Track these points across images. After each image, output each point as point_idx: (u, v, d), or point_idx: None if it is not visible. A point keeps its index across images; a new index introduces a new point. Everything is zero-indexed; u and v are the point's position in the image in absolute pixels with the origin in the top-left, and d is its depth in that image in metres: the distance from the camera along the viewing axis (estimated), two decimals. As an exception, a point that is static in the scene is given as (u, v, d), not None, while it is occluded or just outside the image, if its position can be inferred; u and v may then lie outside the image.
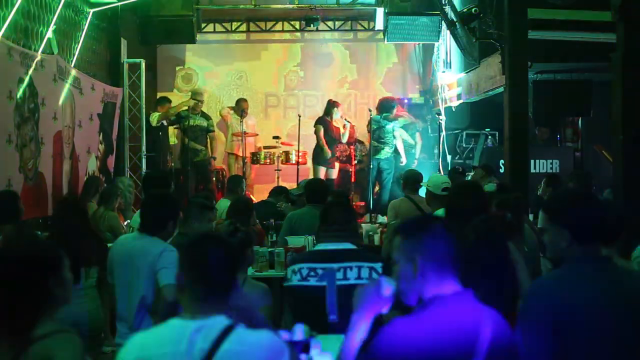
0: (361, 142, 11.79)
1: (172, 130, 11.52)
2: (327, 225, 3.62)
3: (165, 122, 10.82)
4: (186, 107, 10.55)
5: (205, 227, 4.39)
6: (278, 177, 11.10)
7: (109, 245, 4.84)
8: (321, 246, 3.62)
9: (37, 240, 2.71)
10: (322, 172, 10.66)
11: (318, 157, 10.73)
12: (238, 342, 2.10)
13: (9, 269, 2.39)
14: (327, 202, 4.46)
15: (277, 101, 13.11)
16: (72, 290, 2.55)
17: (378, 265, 3.43)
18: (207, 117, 10.94)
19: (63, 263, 2.45)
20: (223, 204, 6.74)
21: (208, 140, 10.94)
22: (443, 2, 8.85)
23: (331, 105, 10.93)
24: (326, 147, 10.65)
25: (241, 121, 10.84)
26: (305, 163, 11.14)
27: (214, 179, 11.03)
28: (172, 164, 11.24)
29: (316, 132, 10.74)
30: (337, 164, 11.03)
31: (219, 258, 2.22)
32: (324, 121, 10.79)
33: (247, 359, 2.09)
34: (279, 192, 7.81)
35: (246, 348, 2.10)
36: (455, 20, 8.86)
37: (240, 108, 11.11)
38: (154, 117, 10.54)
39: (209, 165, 10.93)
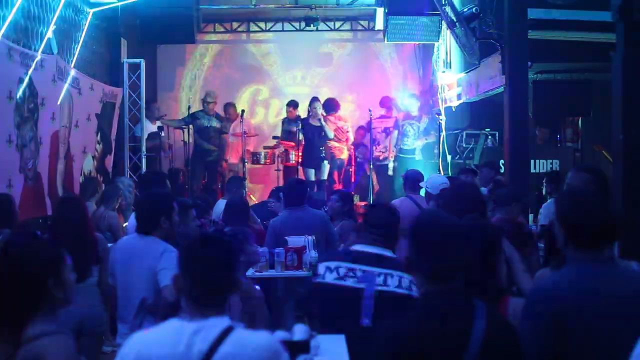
0: (364, 145, 11.77)
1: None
2: (371, 227, 3.45)
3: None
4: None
5: (190, 227, 4.42)
6: (278, 177, 11.10)
7: (110, 245, 4.85)
8: (360, 247, 3.45)
9: (39, 240, 2.70)
10: (311, 174, 10.59)
11: (302, 159, 10.72)
12: (236, 344, 2.09)
13: (7, 266, 2.39)
14: (370, 204, 4.27)
15: (276, 101, 13.11)
16: (79, 287, 2.54)
17: None
18: (220, 119, 10.96)
19: (64, 264, 2.44)
20: (221, 205, 6.74)
21: (221, 141, 10.95)
22: (443, 2, 8.84)
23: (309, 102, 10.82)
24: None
25: (241, 121, 10.84)
26: (305, 163, 11.11)
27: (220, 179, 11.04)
28: (173, 164, 11.27)
29: None
30: (324, 164, 10.70)
31: (216, 259, 2.21)
32: (302, 122, 10.73)
33: None
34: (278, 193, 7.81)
35: (244, 350, 2.09)
36: (455, 20, 8.86)
37: (227, 113, 11.16)
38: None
39: (220, 167, 10.95)
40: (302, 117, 11.02)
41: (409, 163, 10.46)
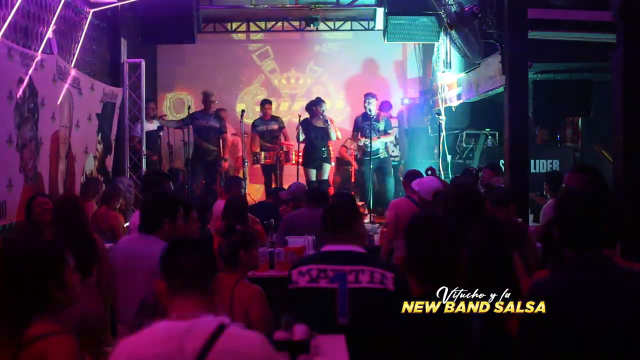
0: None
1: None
2: (332, 227, 3.47)
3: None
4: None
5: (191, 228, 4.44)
6: (277, 177, 11.10)
7: (110, 245, 4.85)
8: (329, 247, 3.47)
9: (40, 240, 2.69)
10: (312, 174, 10.54)
11: (303, 159, 10.67)
12: (230, 341, 2.08)
13: (7, 267, 2.38)
14: (330, 203, 4.28)
15: (276, 101, 13.11)
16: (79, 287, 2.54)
17: (389, 275, 3.28)
18: (220, 119, 10.97)
19: (66, 265, 2.44)
20: (221, 205, 6.73)
21: (220, 141, 10.96)
22: (444, 2, 8.83)
23: (313, 102, 10.75)
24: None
25: (241, 121, 10.85)
26: (305, 163, 11.10)
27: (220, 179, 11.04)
28: (172, 164, 11.27)
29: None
30: (325, 164, 10.60)
31: (194, 263, 2.23)
32: (304, 122, 10.65)
33: (242, 358, 2.08)
34: (277, 192, 7.80)
35: (239, 348, 2.08)
36: (455, 20, 8.86)
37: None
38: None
39: (219, 167, 10.96)
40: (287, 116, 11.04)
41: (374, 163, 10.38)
